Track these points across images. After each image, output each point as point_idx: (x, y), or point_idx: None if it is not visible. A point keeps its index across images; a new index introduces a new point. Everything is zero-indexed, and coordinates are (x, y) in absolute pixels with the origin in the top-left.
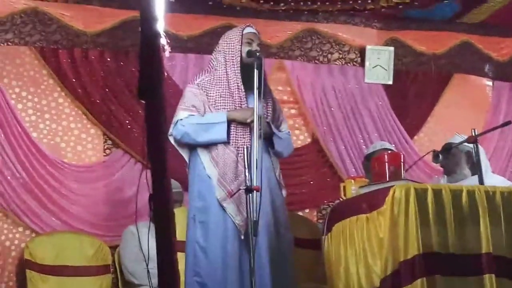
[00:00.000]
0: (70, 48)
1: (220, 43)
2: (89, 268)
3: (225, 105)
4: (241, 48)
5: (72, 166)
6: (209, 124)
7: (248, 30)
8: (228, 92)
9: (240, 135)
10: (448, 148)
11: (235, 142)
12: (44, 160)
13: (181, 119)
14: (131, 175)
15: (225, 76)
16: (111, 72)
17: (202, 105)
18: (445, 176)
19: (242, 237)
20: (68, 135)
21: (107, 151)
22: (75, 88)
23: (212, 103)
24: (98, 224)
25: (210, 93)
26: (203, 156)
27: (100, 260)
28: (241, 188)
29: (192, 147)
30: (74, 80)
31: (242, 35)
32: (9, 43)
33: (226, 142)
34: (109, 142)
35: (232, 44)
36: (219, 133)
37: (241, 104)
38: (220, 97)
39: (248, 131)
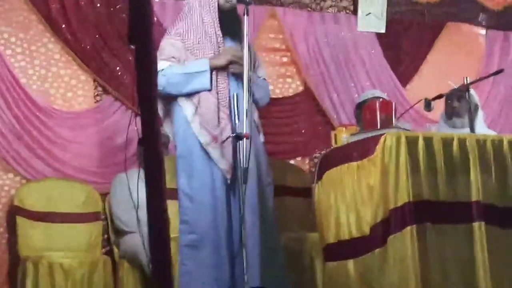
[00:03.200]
0: None
1: None
2: (79, 215)
3: (203, 51)
4: None
5: (62, 113)
6: (192, 73)
7: None
8: (205, 37)
9: (220, 81)
10: (461, 92)
11: (216, 88)
12: (33, 106)
13: (161, 70)
14: (122, 122)
15: (200, 20)
16: (101, 18)
17: (181, 54)
18: (440, 123)
19: (229, 182)
20: (58, 81)
21: (98, 98)
22: (65, 34)
23: (190, 49)
24: (89, 170)
25: (187, 40)
26: (184, 104)
27: (91, 207)
28: (231, 135)
29: (170, 97)
30: (64, 25)
31: None
32: None
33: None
34: (100, 88)
35: None
36: (203, 82)
37: (219, 49)
38: (198, 43)
39: (226, 75)
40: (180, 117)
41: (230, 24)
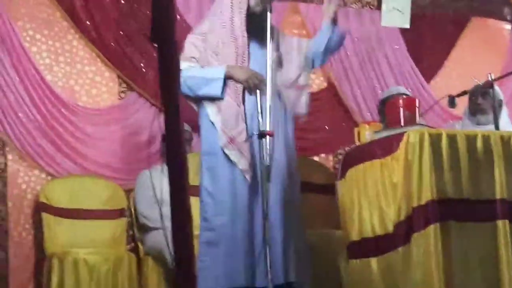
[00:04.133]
0: None
1: None
2: (104, 211)
3: (227, 52)
4: None
5: (87, 109)
6: (207, 78)
7: None
8: (231, 37)
9: (238, 88)
10: (486, 89)
11: (235, 94)
12: (58, 103)
13: (182, 70)
14: (146, 119)
15: (229, 21)
16: (125, 14)
17: (202, 54)
18: (464, 120)
19: (249, 180)
20: (83, 78)
21: (122, 95)
22: (89, 30)
23: (212, 49)
24: (113, 167)
25: (211, 39)
26: (208, 104)
27: (115, 204)
28: (254, 133)
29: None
30: (88, 22)
31: None
32: None
33: (228, 86)
34: (124, 85)
35: None
36: (215, 89)
37: (243, 52)
38: (222, 43)
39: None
40: (205, 117)
41: (258, 28)
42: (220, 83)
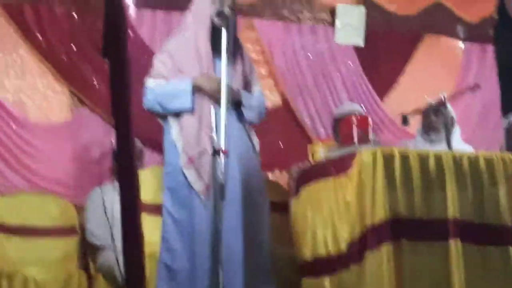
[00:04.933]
0: (35, 4)
1: (191, 3)
2: (54, 229)
3: (192, 68)
4: (208, 9)
5: (38, 124)
6: (174, 92)
7: None
8: (196, 55)
9: (204, 102)
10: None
11: (200, 110)
12: (9, 117)
13: (150, 88)
14: (98, 135)
15: (193, 37)
16: (77, 28)
17: (170, 72)
18: (417, 138)
19: (201, 202)
20: (34, 92)
21: (74, 110)
22: (41, 44)
23: (178, 67)
24: (64, 184)
25: (177, 57)
26: (172, 122)
27: (66, 221)
28: (208, 150)
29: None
30: (39, 36)
31: None
32: None
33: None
34: (76, 100)
35: (202, 6)
36: (184, 102)
37: (207, 68)
38: (187, 60)
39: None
40: (168, 135)
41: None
42: (189, 96)
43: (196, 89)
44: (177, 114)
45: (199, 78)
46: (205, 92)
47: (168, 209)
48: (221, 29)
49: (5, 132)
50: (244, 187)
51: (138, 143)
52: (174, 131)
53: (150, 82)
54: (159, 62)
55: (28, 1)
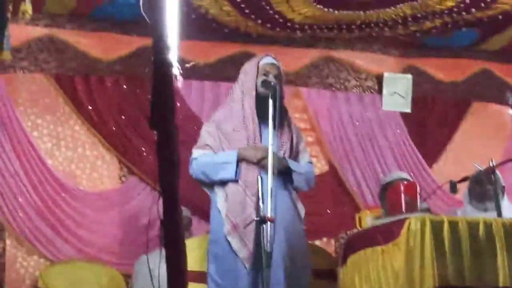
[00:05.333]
0: (85, 75)
1: (239, 75)
2: None
3: (238, 139)
4: (256, 79)
5: (87, 193)
6: (220, 163)
7: (265, 60)
8: (242, 125)
9: (249, 170)
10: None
11: (245, 179)
12: (59, 187)
13: (195, 158)
14: (146, 203)
15: (241, 109)
16: (126, 99)
17: (217, 142)
18: (467, 206)
19: (245, 269)
20: (84, 162)
21: (123, 178)
22: (91, 115)
23: (226, 137)
24: (112, 251)
25: (224, 128)
26: (217, 190)
27: None
28: (255, 219)
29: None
30: (90, 107)
31: (258, 66)
32: (25, 71)
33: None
34: (125, 169)
35: (248, 76)
36: (228, 172)
37: (254, 138)
38: (234, 130)
39: (258, 167)
40: (214, 203)
41: (268, 111)
42: (234, 166)
43: (242, 160)
44: (223, 183)
45: (244, 149)
46: (250, 162)
47: (212, 276)
48: (267, 98)
49: (55, 201)
50: (288, 255)
51: (186, 212)
52: (219, 199)
53: (196, 153)
54: (206, 133)
55: (79, 72)
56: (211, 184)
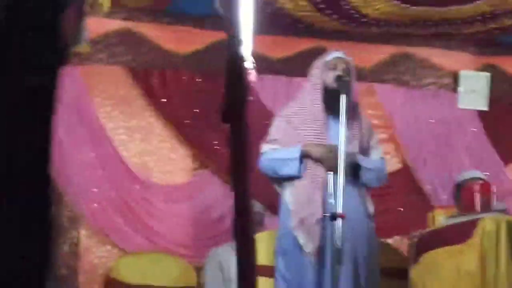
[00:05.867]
0: (161, 69)
1: (310, 71)
2: None
3: (307, 134)
4: (322, 74)
5: (161, 186)
6: (283, 159)
7: (332, 55)
8: (310, 120)
9: (319, 168)
10: None
11: (313, 175)
12: (133, 179)
13: (263, 153)
14: (218, 197)
15: (310, 103)
16: (201, 93)
17: (286, 137)
18: None
19: (312, 264)
20: (157, 154)
21: (195, 172)
22: (165, 108)
23: (295, 132)
24: (184, 244)
25: (293, 122)
26: (286, 185)
27: (186, 282)
28: (326, 215)
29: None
30: (164, 100)
31: (325, 61)
32: (102, 63)
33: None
34: (197, 162)
35: (316, 71)
36: (292, 168)
37: (321, 132)
38: (303, 124)
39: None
40: (283, 199)
41: (337, 104)
42: (297, 163)
43: (305, 156)
44: (292, 178)
45: (308, 145)
46: (314, 158)
47: (280, 271)
48: (336, 92)
49: (129, 193)
50: (356, 252)
51: (259, 207)
52: (287, 194)
53: (264, 147)
54: (274, 127)
55: (155, 65)
56: (280, 179)
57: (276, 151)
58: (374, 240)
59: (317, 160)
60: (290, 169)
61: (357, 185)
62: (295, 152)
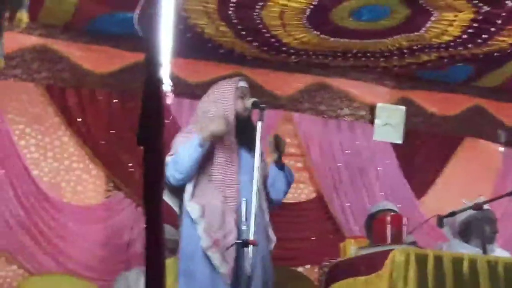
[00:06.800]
0: (77, 87)
1: (211, 93)
2: None
3: (218, 154)
4: (234, 102)
5: (72, 207)
6: (186, 150)
7: (242, 84)
8: (220, 144)
9: (229, 185)
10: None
11: (223, 191)
12: (43, 198)
13: (168, 163)
14: (130, 220)
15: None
16: (117, 113)
17: None
18: (454, 240)
19: (226, 285)
20: (70, 174)
21: (108, 193)
22: (80, 127)
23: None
24: (93, 267)
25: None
26: (191, 204)
27: None
28: (237, 241)
29: (181, 195)
30: (79, 119)
31: (236, 88)
32: (16, 79)
33: (216, 191)
34: (111, 184)
35: (225, 96)
36: (195, 147)
37: (232, 157)
38: (213, 147)
39: (236, 181)
40: (187, 217)
41: (245, 133)
42: (197, 142)
43: (205, 139)
44: (195, 195)
45: (202, 127)
46: (213, 135)
47: None
48: (242, 121)
49: (38, 213)
50: (263, 278)
51: (173, 233)
52: (194, 213)
53: (167, 159)
54: (181, 138)
55: (70, 84)
56: (181, 194)
57: (177, 151)
58: (270, 262)
59: (216, 135)
60: (192, 151)
61: (262, 209)
62: (194, 139)
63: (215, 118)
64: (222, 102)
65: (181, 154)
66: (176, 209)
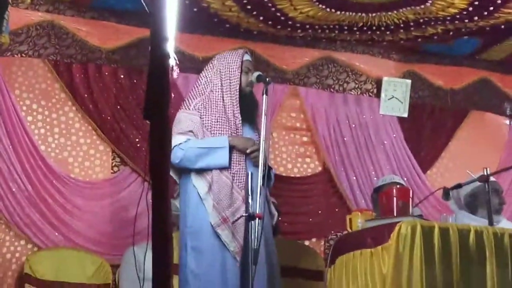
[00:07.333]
0: (84, 63)
1: (215, 65)
2: (89, 286)
3: (221, 130)
4: (240, 75)
5: (79, 182)
6: (211, 148)
7: (247, 57)
8: (224, 117)
9: (237, 162)
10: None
11: (231, 168)
12: (50, 174)
13: (180, 143)
14: (137, 194)
15: (221, 100)
16: (123, 89)
17: (199, 130)
18: (458, 213)
19: (238, 265)
20: (77, 150)
21: (115, 169)
22: (87, 103)
23: (207, 127)
24: (101, 241)
25: (206, 117)
26: (197, 181)
27: (101, 279)
28: (243, 215)
29: (185, 171)
30: (86, 95)
31: (242, 62)
32: (23, 55)
33: (223, 168)
34: (118, 159)
35: (231, 70)
36: (221, 158)
37: (237, 132)
38: (217, 121)
39: (243, 159)
40: (193, 193)
41: (248, 108)
42: (226, 152)
43: (232, 147)
44: (201, 172)
45: (234, 138)
46: (240, 151)
47: (193, 271)
48: (246, 96)
49: (46, 188)
50: (268, 252)
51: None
52: (201, 189)
53: (180, 138)
54: (188, 120)
55: (77, 60)
56: (188, 172)
57: (198, 141)
58: (272, 237)
59: (244, 154)
60: (218, 158)
61: (265, 186)
62: (223, 142)
63: (249, 140)
64: (227, 74)
65: (202, 152)
66: (177, 181)
